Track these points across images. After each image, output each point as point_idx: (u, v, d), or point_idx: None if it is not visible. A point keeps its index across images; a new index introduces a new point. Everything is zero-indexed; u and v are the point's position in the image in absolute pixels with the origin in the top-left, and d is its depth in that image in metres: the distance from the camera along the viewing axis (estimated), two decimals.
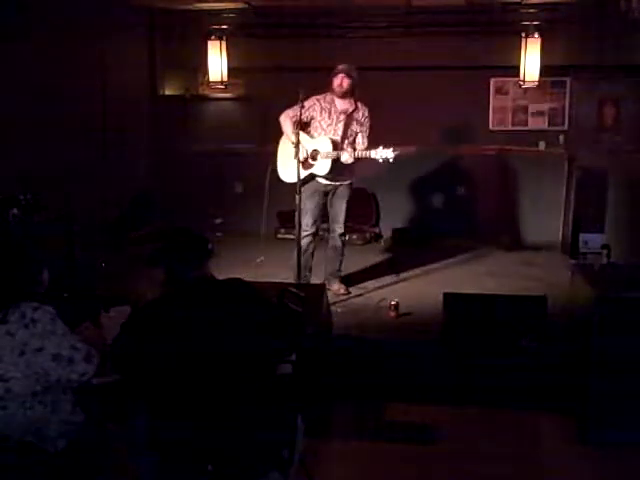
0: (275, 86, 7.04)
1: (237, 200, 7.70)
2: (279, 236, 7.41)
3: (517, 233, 7.42)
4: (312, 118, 5.35)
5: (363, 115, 5.38)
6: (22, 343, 2.48)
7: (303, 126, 5.26)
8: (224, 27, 7.58)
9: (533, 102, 7.60)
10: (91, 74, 6.51)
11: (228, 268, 4.45)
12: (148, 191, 7.69)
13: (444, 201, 7.71)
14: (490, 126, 7.69)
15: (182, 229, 2.82)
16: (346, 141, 5.31)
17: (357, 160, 5.25)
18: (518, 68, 7.27)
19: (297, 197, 5.15)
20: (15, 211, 4.55)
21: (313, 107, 5.32)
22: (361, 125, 5.36)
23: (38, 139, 5.41)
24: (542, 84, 7.38)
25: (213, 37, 7.55)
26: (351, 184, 5.52)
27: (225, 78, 7.66)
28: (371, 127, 5.40)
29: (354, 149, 5.25)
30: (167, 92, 8.09)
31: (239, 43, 7.64)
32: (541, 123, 7.62)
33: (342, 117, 5.33)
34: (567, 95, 7.53)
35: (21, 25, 5.35)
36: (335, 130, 5.31)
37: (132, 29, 7.46)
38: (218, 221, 7.56)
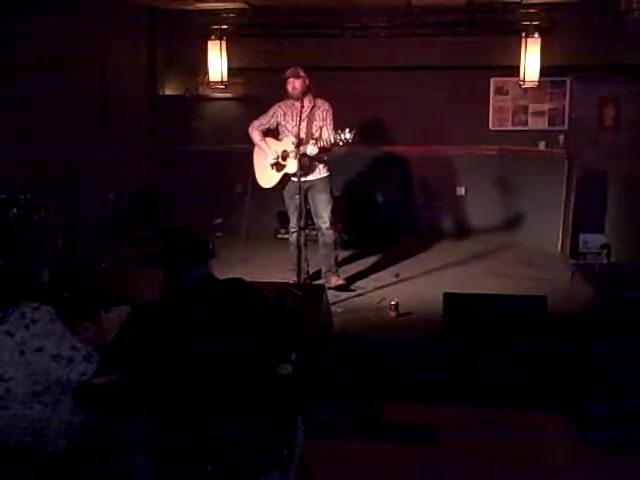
0: (275, 86, 7.03)
1: (237, 200, 7.69)
2: (279, 236, 7.41)
3: (517, 233, 7.42)
4: (278, 124, 5.60)
5: (324, 109, 5.51)
6: (22, 343, 2.48)
7: (272, 133, 5.57)
8: (224, 27, 7.57)
9: (533, 102, 7.60)
10: (91, 74, 6.51)
11: (228, 268, 4.44)
12: (148, 191, 7.68)
13: (444, 201, 7.70)
14: (490, 126, 7.69)
15: (182, 229, 2.82)
16: (313, 137, 5.42)
17: (323, 150, 5.38)
18: (518, 68, 7.27)
19: (297, 197, 5.22)
20: (15, 211, 4.55)
21: (276, 113, 5.60)
22: (324, 119, 5.49)
23: (38, 139, 5.41)
24: (542, 84, 7.38)
25: (213, 37, 7.55)
26: (328, 177, 5.63)
27: (225, 78, 7.66)
28: (336, 119, 5.48)
29: (316, 140, 5.37)
30: (167, 92, 8.09)
31: (239, 43, 7.64)
32: (541, 123, 7.62)
33: (304, 116, 5.42)
34: (567, 95, 7.53)
35: (21, 25, 5.35)
36: (300, 129, 5.39)
37: (132, 29, 7.45)
38: (218, 221, 7.56)
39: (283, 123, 5.56)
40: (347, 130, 5.14)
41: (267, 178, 5.67)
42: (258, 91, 7.63)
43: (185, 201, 7.38)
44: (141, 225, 7.11)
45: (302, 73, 5.41)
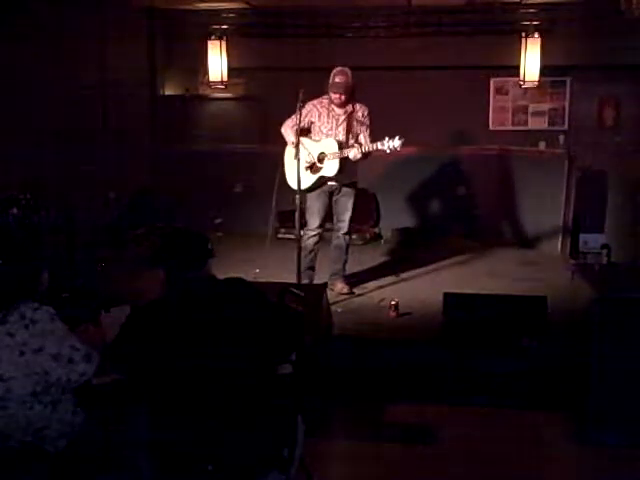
0: (275, 86, 7.05)
1: (237, 200, 7.70)
2: (279, 236, 7.41)
3: (517, 233, 7.42)
4: (312, 123, 5.40)
5: (363, 115, 5.40)
6: (22, 343, 2.48)
7: (304, 132, 5.32)
8: (224, 27, 7.58)
9: (533, 102, 7.61)
10: (91, 74, 6.51)
11: (228, 268, 4.43)
12: (148, 191, 7.69)
13: (444, 201, 7.70)
14: (490, 126, 7.70)
15: (182, 229, 2.82)
16: (350, 142, 5.33)
17: (365, 156, 5.27)
18: (518, 68, 7.28)
19: (297, 197, 5.16)
20: (15, 211, 4.55)
21: (311, 112, 5.37)
22: (362, 124, 5.38)
23: (38, 139, 5.42)
24: (542, 84, 7.38)
25: (213, 37, 7.56)
26: (355, 183, 5.55)
27: (225, 78, 7.67)
28: (371, 125, 5.39)
29: (360, 145, 5.26)
30: (167, 92, 8.09)
31: (239, 43, 7.65)
32: (541, 123, 7.63)
33: (341, 119, 5.36)
34: (567, 95, 7.53)
35: (21, 26, 5.36)
36: (337, 133, 5.34)
37: (132, 29, 7.46)
38: (218, 221, 7.56)
39: (318, 124, 5.35)
40: (397, 137, 5.01)
41: (300, 179, 5.38)
42: (258, 91, 7.65)
43: (185, 201, 7.38)
44: (141, 225, 7.12)
45: (350, 79, 5.22)
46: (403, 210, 7.70)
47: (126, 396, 2.68)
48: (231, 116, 7.90)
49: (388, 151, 5.10)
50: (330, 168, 5.31)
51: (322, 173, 5.34)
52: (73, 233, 5.34)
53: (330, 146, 5.30)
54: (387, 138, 5.08)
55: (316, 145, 5.37)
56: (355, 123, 5.37)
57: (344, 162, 5.27)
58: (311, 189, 5.41)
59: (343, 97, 5.26)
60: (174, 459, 2.47)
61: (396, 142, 5.04)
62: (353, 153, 5.19)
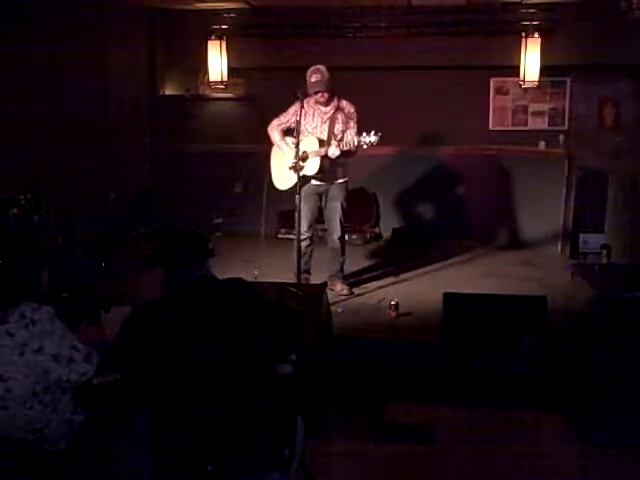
0: (275, 86, 7.03)
1: (237, 200, 7.70)
2: (279, 236, 7.41)
3: (517, 233, 7.42)
4: (298, 123, 5.32)
5: (348, 112, 5.36)
6: (22, 343, 2.48)
7: (290, 132, 5.35)
8: (224, 27, 7.58)
9: (533, 102, 7.60)
10: (91, 74, 6.51)
11: (228, 268, 4.43)
12: (148, 191, 7.68)
13: (444, 201, 7.70)
14: (490, 126, 7.68)
15: (182, 229, 2.82)
16: (333, 140, 5.28)
17: (345, 154, 5.25)
18: (518, 68, 7.27)
19: (297, 197, 5.17)
20: (15, 211, 4.55)
21: (297, 112, 5.32)
22: (347, 123, 5.34)
23: (38, 139, 5.41)
24: (542, 84, 7.38)
25: (213, 37, 7.56)
26: (345, 183, 5.53)
27: (225, 78, 7.66)
28: (359, 122, 5.35)
29: (339, 142, 5.24)
30: (167, 92, 8.09)
31: (239, 43, 7.64)
32: (541, 123, 7.62)
33: (326, 117, 5.34)
34: (567, 95, 7.52)
35: (21, 26, 5.36)
36: (321, 131, 5.33)
37: (132, 29, 7.46)
38: (218, 221, 7.56)
39: (303, 122, 5.28)
40: (372, 133, 5.00)
41: (284, 179, 5.44)
42: (258, 91, 7.64)
43: (185, 201, 7.38)
44: (141, 225, 7.11)
45: (328, 79, 5.20)
46: (403, 210, 7.70)
47: (126, 396, 2.68)
48: (231, 116, 7.90)
49: (365, 147, 5.08)
50: (311, 167, 5.29)
51: (304, 172, 5.26)
52: (73, 233, 5.33)
53: (311, 144, 5.30)
54: (364, 133, 5.06)
55: (299, 144, 5.31)
56: (340, 121, 5.34)
57: (325, 160, 5.26)
58: (295, 189, 5.32)
59: (326, 94, 5.26)
60: (174, 459, 2.47)
61: (372, 137, 5.02)
62: (332, 150, 5.18)
